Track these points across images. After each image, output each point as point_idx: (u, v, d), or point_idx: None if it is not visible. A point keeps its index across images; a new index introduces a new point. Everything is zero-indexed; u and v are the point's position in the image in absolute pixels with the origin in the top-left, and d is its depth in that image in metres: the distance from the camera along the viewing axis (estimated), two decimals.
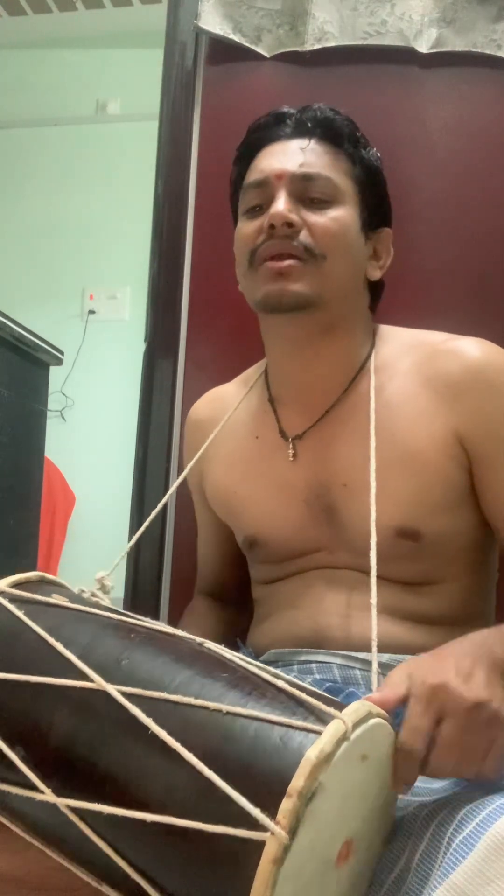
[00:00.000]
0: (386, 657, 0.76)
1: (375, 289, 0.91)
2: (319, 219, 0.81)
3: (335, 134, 0.85)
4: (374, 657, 0.64)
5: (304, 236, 0.81)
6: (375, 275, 0.88)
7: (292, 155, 0.83)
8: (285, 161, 0.83)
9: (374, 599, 0.68)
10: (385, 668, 0.74)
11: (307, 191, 0.82)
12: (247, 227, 0.85)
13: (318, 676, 0.78)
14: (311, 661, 0.81)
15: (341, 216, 0.82)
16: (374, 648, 0.65)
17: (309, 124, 0.85)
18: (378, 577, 0.71)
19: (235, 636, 0.95)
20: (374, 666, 0.63)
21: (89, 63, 3.18)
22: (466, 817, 0.51)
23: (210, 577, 1.05)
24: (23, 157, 3.18)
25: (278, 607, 0.88)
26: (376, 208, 0.87)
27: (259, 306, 0.85)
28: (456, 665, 0.57)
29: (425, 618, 0.81)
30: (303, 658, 0.82)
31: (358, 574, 0.82)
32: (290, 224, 0.80)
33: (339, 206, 0.82)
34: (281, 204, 0.81)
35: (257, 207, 0.84)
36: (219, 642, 0.59)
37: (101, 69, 3.17)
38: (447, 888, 0.48)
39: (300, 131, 0.85)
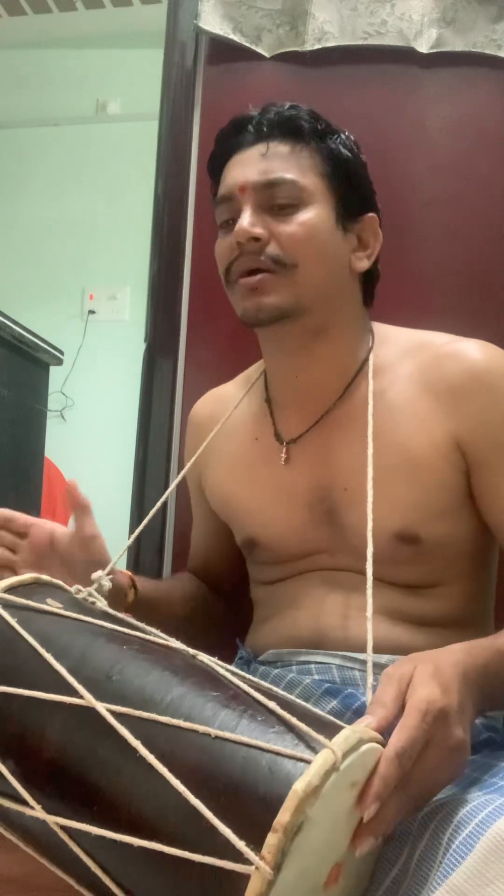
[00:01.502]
0: (385, 658, 0.76)
1: (367, 279, 0.89)
2: (286, 227, 0.80)
3: (295, 131, 0.83)
4: (370, 659, 0.64)
5: (272, 248, 0.80)
6: (362, 265, 0.86)
7: (254, 163, 0.82)
8: (247, 172, 0.82)
9: (369, 601, 0.68)
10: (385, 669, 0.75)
11: (272, 198, 0.81)
12: (221, 244, 0.85)
13: (316, 677, 0.78)
14: (310, 662, 0.81)
15: (309, 218, 0.81)
16: (370, 649, 0.65)
17: (265, 128, 0.83)
18: (378, 579, 0.71)
19: (220, 627, 0.94)
20: (370, 668, 0.63)
21: (89, 63, 3.18)
22: (465, 818, 0.51)
23: (202, 571, 1.05)
24: (23, 157, 3.18)
25: (279, 608, 0.88)
26: (353, 197, 0.85)
27: (242, 322, 0.84)
28: (459, 690, 0.56)
29: (425, 620, 0.81)
30: (302, 658, 0.82)
31: (358, 576, 0.81)
32: (256, 238, 0.80)
33: (307, 208, 0.81)
34: (245, 220, 0.80)
35: (229, 221, 0.84)
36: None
37: (101, 69, 3.16)
38: (447, 889, 0.47)
39: (260, 136, 0.84)
